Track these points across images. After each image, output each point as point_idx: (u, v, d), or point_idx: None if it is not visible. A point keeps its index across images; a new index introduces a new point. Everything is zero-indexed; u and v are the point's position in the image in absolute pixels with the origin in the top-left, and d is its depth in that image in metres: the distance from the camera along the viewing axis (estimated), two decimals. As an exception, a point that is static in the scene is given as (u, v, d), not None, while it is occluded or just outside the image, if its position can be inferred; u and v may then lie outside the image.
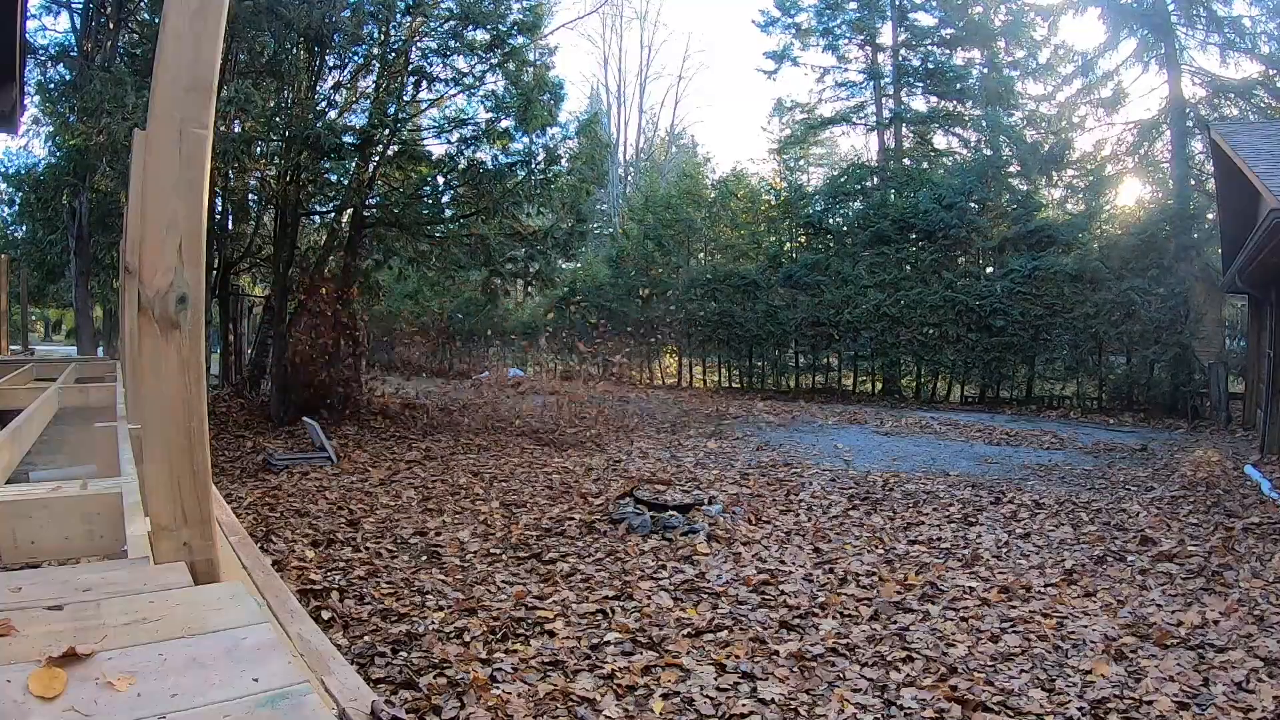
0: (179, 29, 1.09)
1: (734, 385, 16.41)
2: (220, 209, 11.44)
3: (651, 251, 17.82)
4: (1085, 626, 3.41)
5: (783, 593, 3.83)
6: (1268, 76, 13.98)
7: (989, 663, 3.04)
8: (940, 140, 18.80)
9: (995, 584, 3.99)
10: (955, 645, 3.20)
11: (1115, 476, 7.05)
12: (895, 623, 3.46)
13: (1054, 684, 2.85)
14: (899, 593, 3.86)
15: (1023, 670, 2.97)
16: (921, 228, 14.36)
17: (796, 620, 3.48)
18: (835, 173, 19.25)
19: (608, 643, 3.23)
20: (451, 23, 10.00)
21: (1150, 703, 2.70)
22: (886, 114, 18.30)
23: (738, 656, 3.08)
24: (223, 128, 8.36)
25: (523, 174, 10.35)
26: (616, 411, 11.49)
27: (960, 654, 3.11)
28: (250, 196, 11.59)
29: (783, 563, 4.33)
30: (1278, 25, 13.91)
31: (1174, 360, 11.76)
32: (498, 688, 2.79)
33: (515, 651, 3.13)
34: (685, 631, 3.36)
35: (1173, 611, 3.60)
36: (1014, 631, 3.36)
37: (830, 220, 16.58)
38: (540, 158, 10.42)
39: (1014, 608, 3.64)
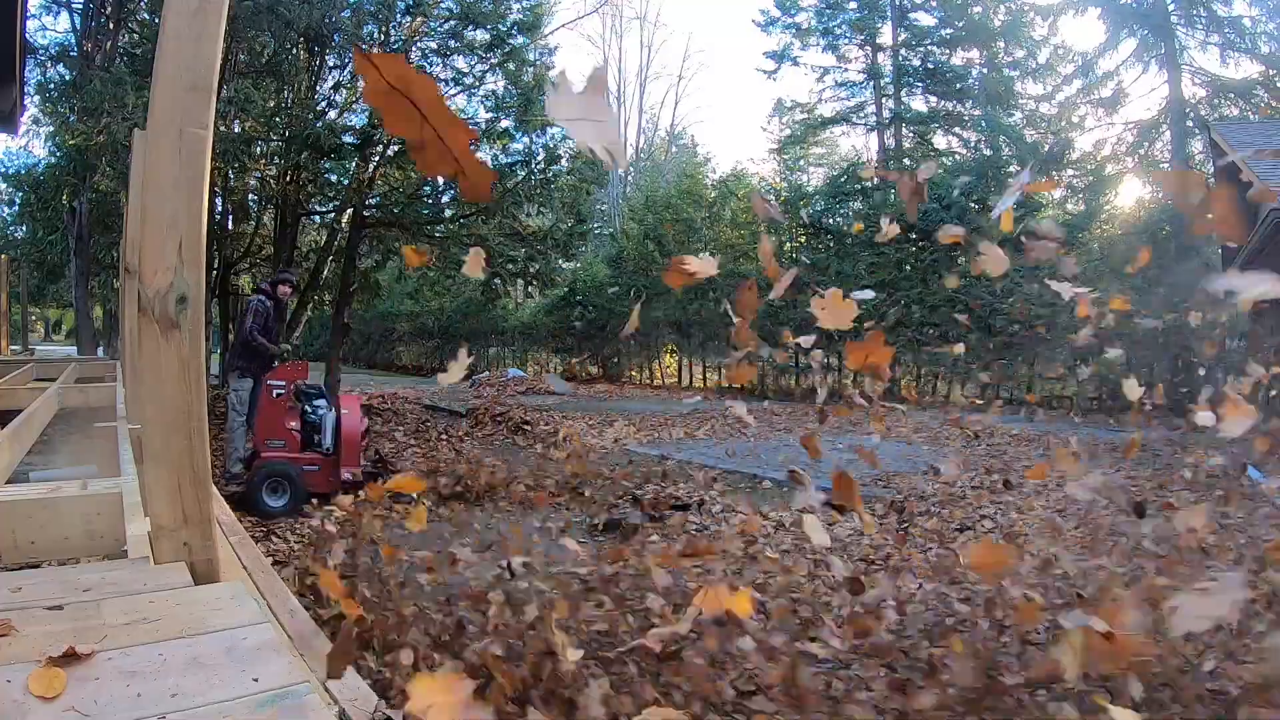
0: (179, 29, 1.09)
1: (734, 385, 16.42)
2: (220, 209, 11.43)
3: (651, 251, 17.81)
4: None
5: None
6: (1268, 76, 13.97)
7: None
8: (940, 140, 18.81)
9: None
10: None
11: (1115, 477, 7.04)
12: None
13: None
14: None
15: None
16: (921, 228, 14.36)
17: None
18: (835, 173, 19.26)
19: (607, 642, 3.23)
20: (451, 23, 10.01)
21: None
22: (886, 114, 18.30)
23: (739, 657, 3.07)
24: (223, 128, 8.36)
25: (523, 174, 10.36)
26: (617, 411, 11.50)
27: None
28: (250, 196, 11.59)
29: (782, 563, 4.32)
30: (1278, 25, 13.91)
31: (1174, 360, 11.76)
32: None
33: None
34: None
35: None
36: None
37: (830, 220, 16.58)
38: (540, 158, 10.43)
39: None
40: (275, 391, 5.50)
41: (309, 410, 5.68)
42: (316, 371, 15.77)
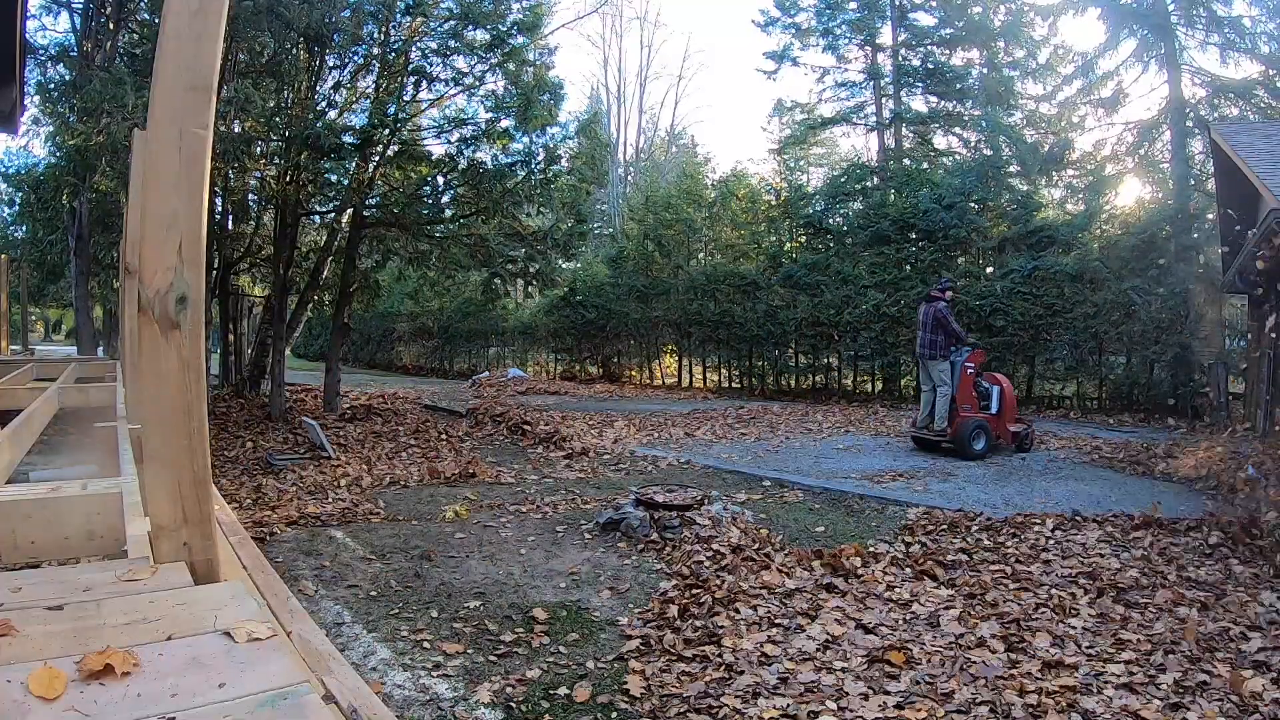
0: (179, 29, 1.09)
1: (734, 385, 16.41)
2: (220, 209, 11.44)
3: (651, 251, 17.81)
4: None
5: (780, 588, 3.83)
6: (1268, 76, 13.96)
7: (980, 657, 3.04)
8: (940, 140, 18.79)
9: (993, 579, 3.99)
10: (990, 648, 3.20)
11: (1115, 477, 7.04)
12: (904, 623, 3.46)
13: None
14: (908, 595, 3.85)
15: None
16: (921, 228, 14.35)
17: (785, 619, 3.48)
18: (835, 173, 19.24)
19: (605, 640, 3.23)
20: (451, 23, 10.01)
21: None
22: (886, 114, 18.29)
23: (731, 650, 3.08)
24: (223, 128, 8.37)
25: (523, 174, 10.36)
26: (619, 412, 11.49)
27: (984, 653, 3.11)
28: (250, 196, 11.60)
29: (784, 569, 4.33)
30: (1278, 25, 13.89)
31: (1174, 360, 11.74)
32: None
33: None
34: (688, 631, 3.36)
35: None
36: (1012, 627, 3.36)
37: (830, 220, 16.56)
38: (540, 158, 10.43)
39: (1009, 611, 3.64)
40: (969, 370, 7.83)
41: (981, 383, 7.98)
42: (316, 371, 15.79)
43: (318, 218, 12.37)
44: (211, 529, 1.23)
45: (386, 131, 9.94)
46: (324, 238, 12.55)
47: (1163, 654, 3.04)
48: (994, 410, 7.87)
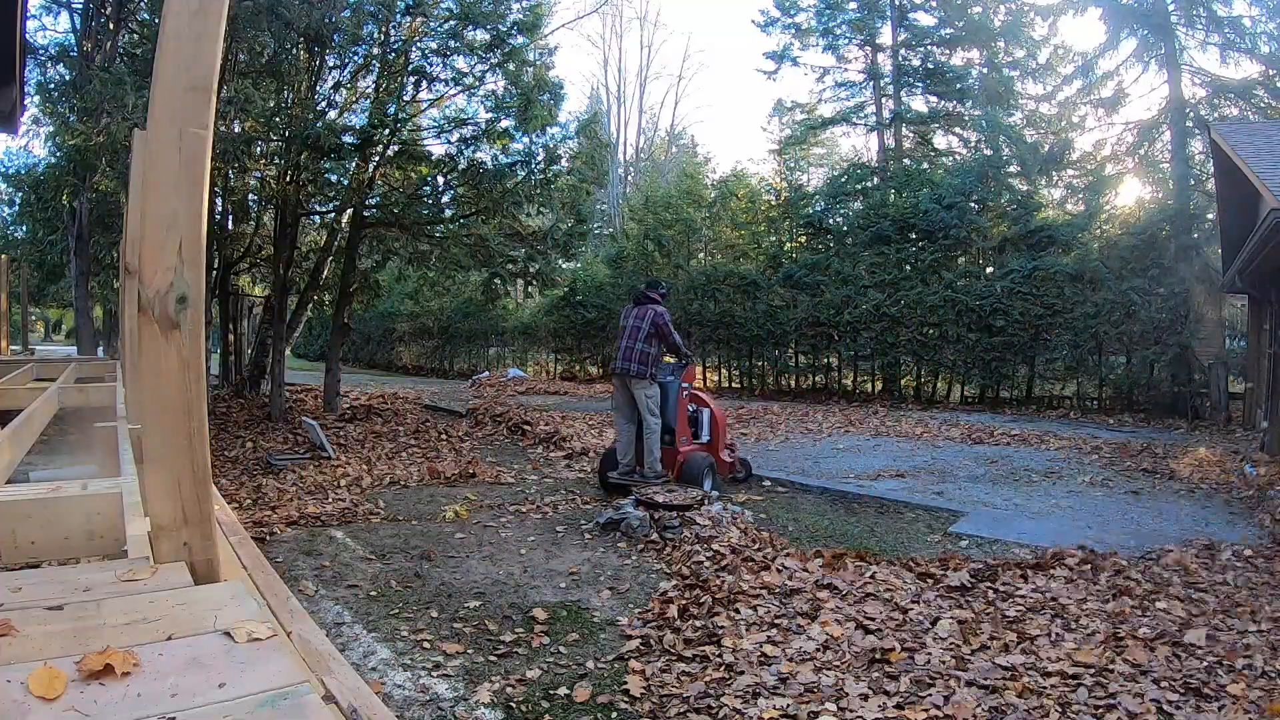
0: (179, 29, 1.09)
1: (734, 385, 16.41)
2: (220, 209, 11.44)
3: (651, 251, 17.81)
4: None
5: (780, 588, 3.83)
6: (1268, 76, 13.95)
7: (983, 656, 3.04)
8: (940, 140, 18.78)
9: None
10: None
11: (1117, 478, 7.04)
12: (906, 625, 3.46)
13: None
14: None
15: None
16: (921, 228, 14.35)
17: (784, 619, 3.48)
18: (835, 173, 19.23)
19: (606, 641, 3.23)
20: (451, 23, 10.01)
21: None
22: (886, 114, 18.28)
23: (731, 651, 3.08)
24: (223, 128, 8.36)
25: (523, 174, 10.35)
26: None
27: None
28: (250, 196, 11.60)
29: (784, 569, 4.32)
30: (1278, 25, 13.89)
31: (1174, 360, 11.74)
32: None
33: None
34: (688, 631, 3.35)
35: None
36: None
37: (830, 220, 16.56)
38: (540, 158, 10.43)
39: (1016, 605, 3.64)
40: (685, 391, 6.26)
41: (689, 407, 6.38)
42: (316, 372, 15.79)
43: (318, 218, 12.37)
44: (211, 529, 1.23)
45: (386, 131, 9.94)
46: (324, 238, 12.55)
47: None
48: (705, 439, 6.35)
